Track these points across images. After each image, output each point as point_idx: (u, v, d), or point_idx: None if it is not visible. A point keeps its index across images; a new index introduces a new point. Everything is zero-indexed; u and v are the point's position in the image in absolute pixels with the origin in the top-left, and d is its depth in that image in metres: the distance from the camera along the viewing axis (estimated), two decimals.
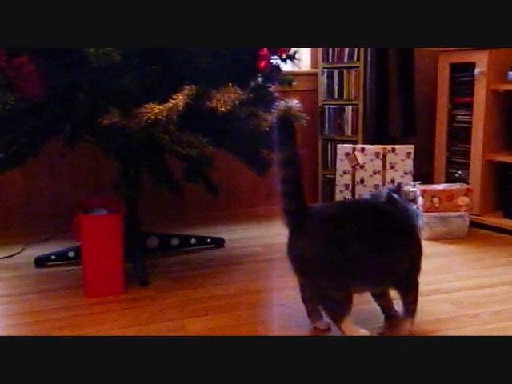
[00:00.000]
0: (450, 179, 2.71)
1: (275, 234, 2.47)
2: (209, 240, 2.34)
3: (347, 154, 2.81)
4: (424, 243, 2.33)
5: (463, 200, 2.40)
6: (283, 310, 1.70)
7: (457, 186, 2.47)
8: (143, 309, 1.71)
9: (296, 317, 1.61)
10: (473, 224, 2.50)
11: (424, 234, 2.39)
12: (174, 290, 1.86)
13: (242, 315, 1.65)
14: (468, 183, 2.56)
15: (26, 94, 1.51)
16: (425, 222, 2.38)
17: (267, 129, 1.88)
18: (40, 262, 2.12)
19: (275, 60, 2.04)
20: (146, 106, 1.59)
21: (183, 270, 2.06)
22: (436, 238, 2.39)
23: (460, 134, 2.66)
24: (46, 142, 1.95)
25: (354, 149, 2.79)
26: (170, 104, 1.60)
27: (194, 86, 1.66)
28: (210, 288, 1.88)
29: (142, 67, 1.64)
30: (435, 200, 2.40)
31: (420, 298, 1.50)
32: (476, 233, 2.48)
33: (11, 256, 2.24)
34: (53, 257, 2.13)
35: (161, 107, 1.59)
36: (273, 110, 1.97)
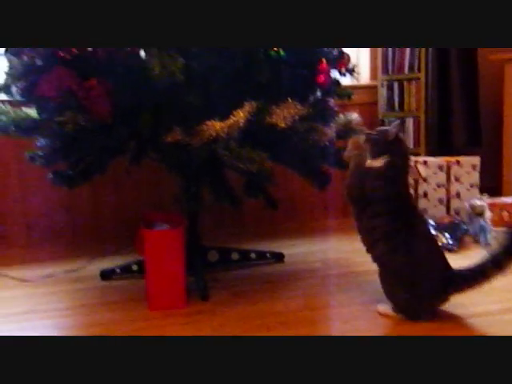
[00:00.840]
0: None
1: (334, 248, 2.45)
2: (268, 255, 2.34)
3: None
4: None
5: None
6: (345, 327, 1.67)
7: None
8: (204, 323, 1.73)
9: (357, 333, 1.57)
10: None
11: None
12: (235, 305, 1.87)
13: (304, 332, 1.63)
14: None
15: (95, 114, 1.57)
16: (494, 236, 2.28)
17: (326, 143, 1.88)
18: (105, 275, 2.19)
19: (334, 74, 2.03)
20: (208, 123, 1.63)
21: (243, 285, 2.07)
22: None
23: None
24: (112, 159, 2.03)
25: (416, 162, 2.72)
26: (231, 121, 1.62)
27: (254, 102, 1.67)
28: (271, 303, 1.87)
29: (204, 85, 1.67)
30: (504, 214, 2.29)
31: (491, 317, 1.43)
32: None
33: (78, 269, 2.33)
34: (117, 270, 2.20)
35: (222, 124, 1.62)
36: (332, 124, 1.97)
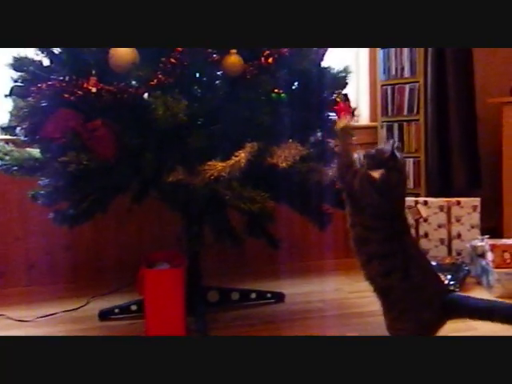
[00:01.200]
0: None
1: (334, 289, 2.42)
2: (269, 295, 2.32)
3: (409, 208, 2.75)
4: None
5: None
6: None
7: None
8: None
9: None
10: None
11: (495, 292, 2.27)
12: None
13: None
14: None
15: (99, 154, 1.60)
16: (496, 278, 2.26)
17: (327, 183, 1.89)
18: (104, 315, 2.17)
19: (334, 116, 2.06)
20: (210, 163, 1.65)
21: (244, 326, 2.04)
22: (508, 296, 2.25)
23: None
24: (114, 198, 2.04)
25: (416, 202, 2.73)
26: (233, 161, 1.64)
27: (255, 143, 1.70)
28: None
29: (206, 126, 1.71)
30: (506, 255, 2.28)
31: None
32: None
33: (76, 309, 2.30)
34: (116, 310, 2.18)
35: (223, 164, 1.64)
36: (332, 165, 1.99)
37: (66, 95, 1.58)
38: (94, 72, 1.61)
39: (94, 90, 1.56)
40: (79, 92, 1.57)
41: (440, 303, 1.63)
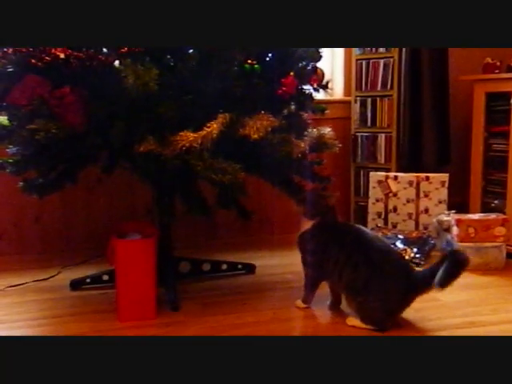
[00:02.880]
0: (486, 209, 2.66)
1: None
2: (240, 266, 2.35)
3: (380, 182, 2.79)
4: None
5: (500, 230, 2.35)
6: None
7: (493, 215, 2.42)
8: (174, 334, 1.72)
9: None
10: (510, 255, 2.43)
11: None
12: (205, 316, 1.86)
13: None
14: (505, 213, 2.50)
15: (68, 122, 1.57)
16: None
17: (299, 155, 1.90)
18: (75, 284, 2.17)
19: (308, 89, 2.06)
20: (181, 133, 1.64)
21: (214, 296, 2.07)
22: (472, 270, 2.33)
23: (496, 163, 2.62)
24: (84, 168, 2.01)
25: (386, 177, 2.77)
26: (205, 132, 1.63)
27: (227, 114, 1.69)
28: (241, 315, 1.88)
29: (177, 96, 1.69)
30: (471, 230, 2.35)
31: (454, 331, 1.47)
32: None
33: (47, 279, 2.29)
34: (88, 280, 2.17)
35: (195, 135, 1.63)
36: (305, 137, 1.99)
37: (33, 61, 1.54)
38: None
39: (62, 55, 1.52)
40: (47, 58, 1.53)
41: (405, 278, 1.71)
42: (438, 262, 1.67)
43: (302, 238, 1.92)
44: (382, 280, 1.70)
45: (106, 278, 2.16)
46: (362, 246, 1.77)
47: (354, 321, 1.76)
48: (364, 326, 1.73)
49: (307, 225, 1.90)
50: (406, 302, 1.74)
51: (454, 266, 1.63)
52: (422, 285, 1.70)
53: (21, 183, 2.01)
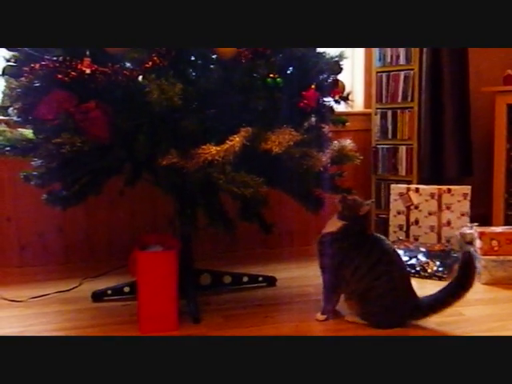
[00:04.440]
0: (509, 222, 2.62)
1: None
2: (261, 278, 2.34)
3: (401, 194, 2.77)
4: (483, 288, 2.26)
5: None
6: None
7: None
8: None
9: None
10: None
11: (483, 279, 2.30)
12: (227, 329, 1.86)
13: None
14: None
15: (92, 136, 1.59)
16: (483, 265, 2.30)
17: (321, 169, 1.90)
18: (97, 296, 2.18)
19: (329, 101, 2.07)
20: (204, 147, 1.65)
21: (235, 309, 2.06)
22: (495, 283, 2.29)
23: None
24: (107, 181, 2.04)
25: (408, 189, 2.75)
26: (227, 145, 1.64)
27: (250, 128, 1.70)
28: (263, 328, 1.87)
29: (200, 110, 1.70)
30: (494, 243, 2.31)
31: None
32: None
33: (69, 290, 2.32)
34: (109, 291, 2.19)
35: (218, 148, 1.64)
36: (327, 151, 1.99)
37: (60, 76, 1.57)
38: (88, 53, 1.60)
39: (88, 71, 1.55)
40: (73, 73, 1.56)
41: (409, 306, 1.81)
42: (444, 288, 1.79)
43: (323, 239, 1.90)
44: (395, 298, 1.79)
45: (127, 289, 2.17)
46: (386, 259, 1.80)
47: (353, 318, 1.87)
48: (363, 322, 1.84)
49: (330, 227, 1.89)
50: (404, 323, 1.83)
51: (463, 266, 1.76)
52: (421, 313, 1.81)
53: (45, 195, 2.04)
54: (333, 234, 1.88)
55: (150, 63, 1.59)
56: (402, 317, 1.82)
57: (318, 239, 1.92)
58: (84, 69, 1.55)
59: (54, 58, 1.60)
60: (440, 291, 1.80)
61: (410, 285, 1.83)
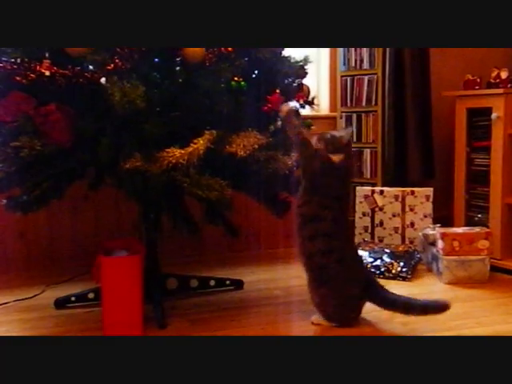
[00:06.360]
0: (469, 222, 2.69)
1: (294, 276, 2.45)
2: (228, 282, 2.34)
3: (366, 197, 2.81)
4: (445, 287, 2.32)
5: (483, 244, 2.37)
6: None
7: (477, 229, 2.44)
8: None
9: None
10: (494, 268, 2.45)
11: (444, 278, 2.35)
12: (193, 333, 1.85)
13: None
14: (488, 227, 2.53)
15: (53, 139, 1.56)
16: (445, 265, 2.35)
17: (286, 172, 1.91)
18: (60, 303, 2.13)
19: (294, 104, 2.08)
20: (168, 150, 1.64)
21: (202, 312, 2.05)
22: (456, 283, 2.35)
23: (479, 178, 2.66)
24: (70, 185, 2.00)
25: (372, 191, 2.80)
26: (191, 148, 1.64)
27: (214, 131, 1.70)
28: (230, 331, 1.86)
29: (164, 113, 1.69)
30: (455, 243, 2.37)
31: None
32: (497, 277, 2.44)
33: (31, 297, 2.26)
34: (73, 298, 2.14)
35: (182, 151, 1.63)
36: (292, 154, 2.01)
37: (18, 78, 1.54)
38: (47, 55, 1.57)
39: (47, 73, 1.52)
40: (32, 75, 1.53)
41: (363, 285, 1.84)
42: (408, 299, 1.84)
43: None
44: (347, 280, 1.81)
45: (91, 295, 2.13)
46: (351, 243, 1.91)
47: (318, 319, 1.87)
48: (328, 323, 1.85)
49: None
50: (360, 305, 1.87)
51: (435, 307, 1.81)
52: (377, 298, 1.84)
53: (4, 201, 1.99)
54: (335, 162, 1.80)
55: (112, 65, 1.57)
56: (356, 301, 1.85)
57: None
58: (43, 71, 1.52)
59: (12, 60, 1.56)
60: (402, 298, 1.85)
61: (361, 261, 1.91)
